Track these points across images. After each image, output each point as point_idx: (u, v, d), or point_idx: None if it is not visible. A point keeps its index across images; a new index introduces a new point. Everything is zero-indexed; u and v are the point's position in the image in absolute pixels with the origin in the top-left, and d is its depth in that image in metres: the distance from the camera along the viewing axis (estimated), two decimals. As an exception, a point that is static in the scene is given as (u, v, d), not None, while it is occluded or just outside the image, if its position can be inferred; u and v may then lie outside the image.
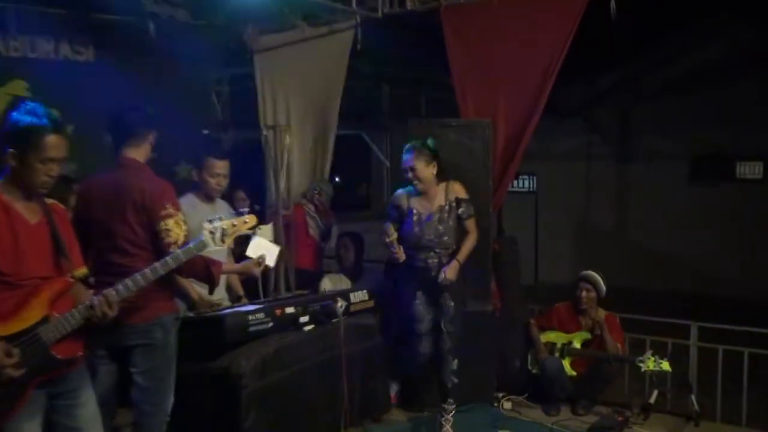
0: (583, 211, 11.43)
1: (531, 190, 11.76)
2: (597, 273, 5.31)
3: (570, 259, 10.73)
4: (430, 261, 4.60)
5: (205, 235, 3.10)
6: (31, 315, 2.75)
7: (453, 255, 4.61)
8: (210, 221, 3.13)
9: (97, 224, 3.43)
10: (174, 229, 3.37)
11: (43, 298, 2.79)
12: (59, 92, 5.53)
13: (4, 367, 2.64)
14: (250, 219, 3.25)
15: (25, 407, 2.76)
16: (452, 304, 4.59)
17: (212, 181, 4.35)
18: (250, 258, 4.02)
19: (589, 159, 11.28)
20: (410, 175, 4.59)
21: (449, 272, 4.52)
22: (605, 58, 9.00)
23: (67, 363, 2.85)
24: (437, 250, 4.60)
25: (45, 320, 2.77)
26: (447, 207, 4.63)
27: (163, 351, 3.45)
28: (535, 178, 11.65)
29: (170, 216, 3.37)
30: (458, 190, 4.66)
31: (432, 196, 4.65)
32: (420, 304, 4.68)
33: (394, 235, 4.55)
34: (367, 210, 12.34)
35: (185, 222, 3.40)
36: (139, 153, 3.53)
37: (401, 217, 4.69)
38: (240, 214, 3.26)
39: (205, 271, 3.51)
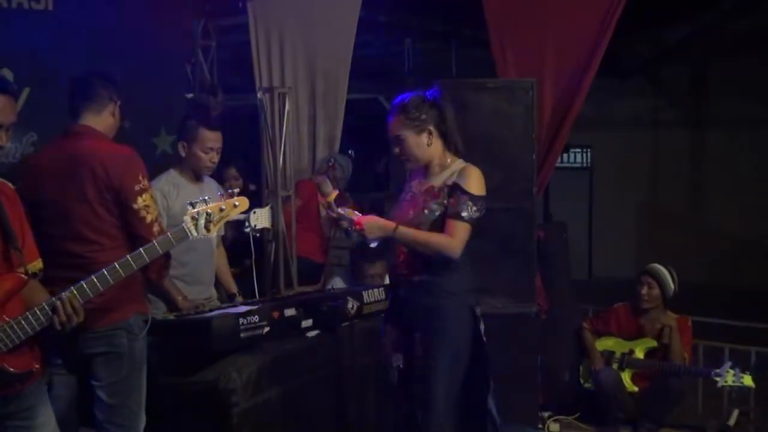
0: (647, 190, 11.41)
1: (585, 165, 11.77)
2: (666, 268, 5.27)
3: (631, 250, 10.74)
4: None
5: (186, 222, 3.06)
6: (-25, 320, 2.73)
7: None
8: (192, 204, 3.09)
9: (49, 205, 3.39)
10: (152, 205, 3.38)
11: (-9, 300, 2.76)
12: (13, 48, 5.53)
13: None
14: (241, 202, 3.20)
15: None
16: None
17: (205, 157, 4.32)
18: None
19: (655, 127, 11.25)
20: (396, 149, 3.75)
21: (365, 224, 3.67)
22: (674, 6, 8.91)
23: (20, 378, 2.83)
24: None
25: (-8, 326, 2.75)
26: (437, 191, 3.71)
27: (130, 360, 3.43)
28: (589, 151, 11.65)
29: (145, 190, 3.37)
30: (468, 175, 3.66)
31: (434, 174, 3.78)
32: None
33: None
34: (386, 189, 12.33)
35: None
36: (98, 122, 3.51)
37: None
38: (229, 195, 3.21)
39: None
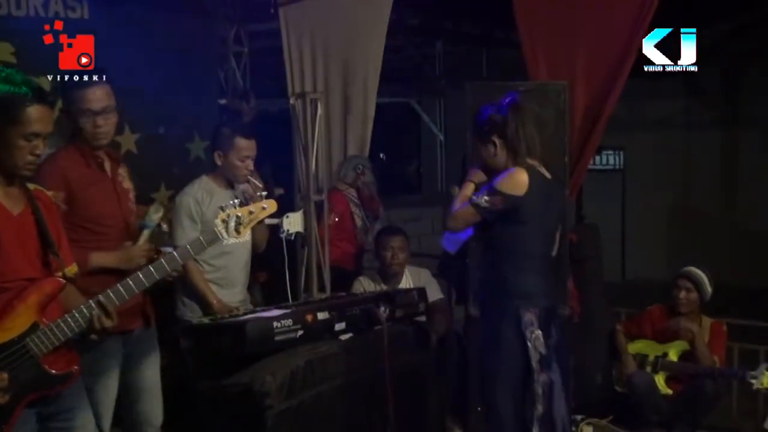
0: (681, 192, 11.33)
1: (617, 167, 11.71)
2: (703, 271, 5.24)
3: (664, 252, 10.65)
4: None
5: (217, 225, 3.11)
6: (17, 323, 2.79)
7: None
8: (222, 208, 3.14)
9: None
10: None
11: (31, 303, 2.82)
12: (50, 56, 5.62)
13: None
14: (270, 205, 3.25)
15: (14, 430, 2.79)
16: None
17: (241, 165, 4.36)
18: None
19: (688, 128, 11.14)
20: None
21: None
22: (709, 7, 8.83)
23: (61, 379, 2.89)
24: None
25: (34, 328, 2.80)
26: None
27: None
28: (622, 153, 11.59)
29: None
30: (506, 174, 3.86)
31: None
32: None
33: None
34: (417, 193, 12.34)
35: None
36: None
37: None
38: (258, 198, 3.28)
39: None
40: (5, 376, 2.71)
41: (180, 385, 3.94)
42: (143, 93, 6.32)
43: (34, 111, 2.78)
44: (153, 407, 3.77)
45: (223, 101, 7.10)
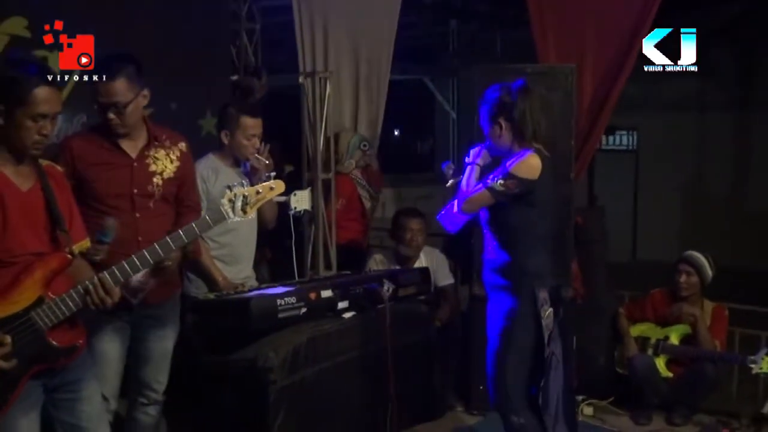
0: (693, 173, 11.28)
1: (630, 148, 11.67)
2: (704, 255, 5.26)
3: (676, 233, 10.65)
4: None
5: (224, 204, 3.14)
6: (24, 297, 2.85)
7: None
8: (229, 188, 3.17)
9: None
10: None
11: (37, 278, 2.88)
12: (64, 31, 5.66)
13: None
14: (277, 185, 3.25)
15: (19, 401, 2.87)
16: None
17: (248, 144, 4.39)
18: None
19: (701, 109, 11.09)
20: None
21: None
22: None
23: (66, 352, 2.96)
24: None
25: (39, 302, 2.86)
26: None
27: None
28: (635, 133, 11.54)
29: None
30: (521, 158, 3.85)
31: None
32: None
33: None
34: (429, 171, 12.34)
35: None
36: None
37: None
38: (266, 178, 3.30)
39: None
40: (8, 339, 2.77)
41: (184, 359, 3.99)
42: (155, 69, 6.36)
43: (41, 92, 2.83)
44: (155, 374, 3.81)
45: (234, 77, 7.11)
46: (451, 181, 4.18)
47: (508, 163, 3.83)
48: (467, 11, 9.97)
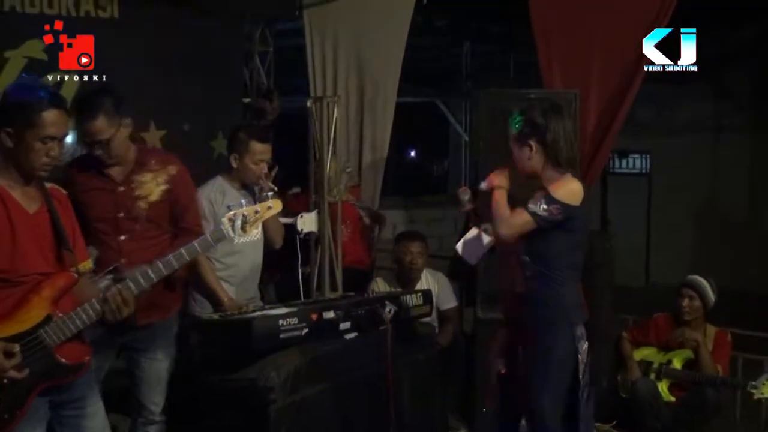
0: (707, 197, 11.27)
1: (644, 171, 11.69)
2: (706, 279, 5.30)
3: (690, 257, 10.61)
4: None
5: (224, 223, 3.26)
6: (32, 315, 2.95)
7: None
8: (229, 207, 3.30)
9: None
10: None
11: (45, 296, 2.99)
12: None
13: (4, 369, 2.83)
14: (275, 204, 3.38)
15: (27, 417, 2.96)
16: None
17: (256, 168, 4.48)
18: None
19: (716, 132, 11.12)
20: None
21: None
22: (737, 9, 8.81)
23: (73, 369, 3.07)
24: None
25: (47, 320, 2.97)
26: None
27: None
28: (648, 156, 11.56)
29: None
30: (560, 182, 3.78)
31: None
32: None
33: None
34: (442, 193, 12.39)
35: None
36: None
37: None
38: (264, 198, 3.42)
39: None
40: (17, 347, 2.86)
41: (187, 377, 4.09)
42: (169, 90, 6.51)
43: (50, 115, 2.95)
44: (150, 395, 3.93)
45: (247, 100, 7.25)
46: (468, 206, 4.16)
47: (551, 188, 3.73)
48: (481, 34, 10.06)
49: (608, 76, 5.42)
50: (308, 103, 5.57)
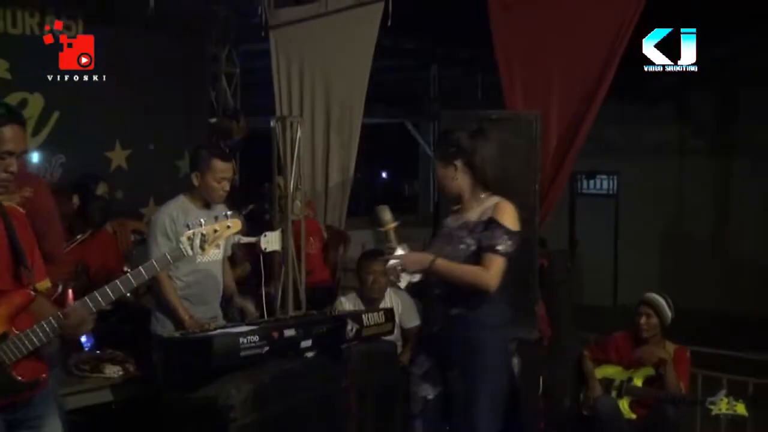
0: (673, 217, 11.41)
1: (610, 192, 11.80)
2: (662, 296, 5.38)
3: (657, 277, 10.72)
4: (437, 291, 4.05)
5: (183, 242, 3.27)
6: (-12, 333, 2.95)
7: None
8: (188, 226, 3.32)
9: None
10: None
11: (1, 314, 2.98)
12: (44, 74, 5.71)
13: None
14: (234, 224, 3.40)
15: (-17, 435, 2.96)
16: None
17: (218, 187, 4.51)
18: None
19: (681, 154, 11.25)
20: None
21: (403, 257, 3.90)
22: (703, 33, 8.95)
23: (29, 386, 3.06)
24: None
25: (3, 338, 2.97)
26: (472, 226, 3.84)
27: None
28: (615, 177, 11.67)
29: None
30: (503, 210, 3.79)
31: (466, 209, 3.95)
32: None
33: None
34: (412, 214, 12.43)
35: None
36: None
37: None
38: (224, 217, 3.45)
39: None
40: None
41: (148, 396, 4.10)
42: (134, 110, 6.55)
43: (7, 130, 2.96)
44: None
45: (213, 120, 7.29)
46: (391, 225, 4.03)
47: (499, 217, 3.73)
48: (448, 57, 10.19)
49: (569, 97, 5.52)
50: (272, 123, 5.62)
